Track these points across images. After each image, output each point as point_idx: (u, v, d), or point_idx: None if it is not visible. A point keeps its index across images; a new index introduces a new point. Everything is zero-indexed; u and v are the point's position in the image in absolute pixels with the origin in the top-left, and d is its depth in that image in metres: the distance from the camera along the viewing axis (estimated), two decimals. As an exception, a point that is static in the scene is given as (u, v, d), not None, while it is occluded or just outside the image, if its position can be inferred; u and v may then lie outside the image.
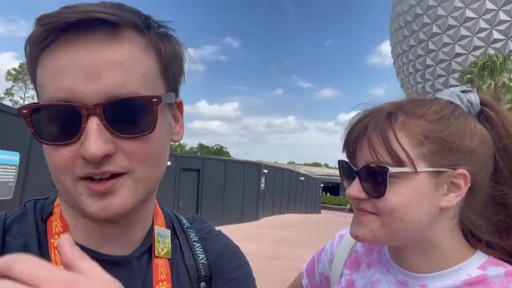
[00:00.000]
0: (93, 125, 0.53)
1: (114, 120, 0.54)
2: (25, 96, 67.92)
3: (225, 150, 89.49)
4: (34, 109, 0.55)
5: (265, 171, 19.84)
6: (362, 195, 0.76)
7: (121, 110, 0.55)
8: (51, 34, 0.54)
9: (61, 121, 0.55)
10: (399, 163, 0.72)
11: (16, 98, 67.23)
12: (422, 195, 0.73)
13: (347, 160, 0.83)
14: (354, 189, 0.77)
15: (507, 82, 24.74)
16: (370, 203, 0.76)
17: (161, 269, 0.69)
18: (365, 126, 0.77)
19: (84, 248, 0.61)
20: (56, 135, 0.55)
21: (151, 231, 0.71)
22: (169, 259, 0.71)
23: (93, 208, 0.56)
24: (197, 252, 0.77)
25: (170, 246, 0.73)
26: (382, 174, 0.73)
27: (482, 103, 0.80)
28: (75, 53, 0.54)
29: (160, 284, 0.68)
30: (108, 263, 0.62)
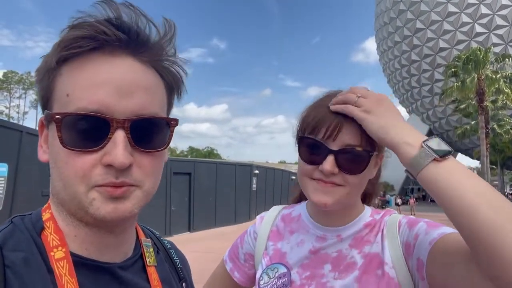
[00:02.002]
0: (121, 137, 0.60)
1: (136, 135, 0.62)
2: (10, 105, 66.89)
3: (215, 152, 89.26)
4: (66, 116, 0.60)
5: (257, 171, 19.88)
6: (336, 170, 0.92)
7: (144, 127, 0.63)
8: (86, 46, 0.60)
9: (89, 130, 0.60)
10: (373, 147, 0.94)
11: (1, 107, 66.19)
12: (369, 171, 0.98)
13: (313, 137, 0.95)
14: (330, 165, 0.92)
15: (490, 75, 25.14)
16: (339, 177, 0.94)
17: (154, 275, 0.76)
18: (335, 114, 0.92)
19: (82, 258, 0.65)
20: (81, 142, 0.60)
21: (136, 242, 0.78)
22: (155, 266, 0.78)
23: (105, 210, 0.61)
24: (174, 258, 0.89)
25: (153, 254, 0.80)
26: (366, 157, 0.93)
27: None
28: (110, 72, 0.61)
29: None
30: (109, 270, 0.67)
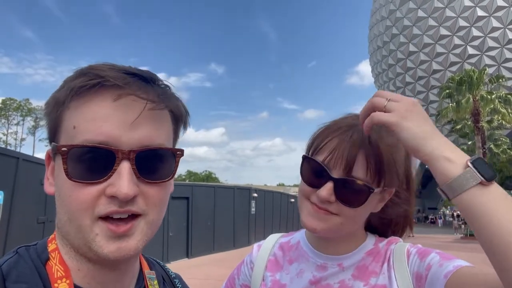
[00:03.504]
0: (126, 168, 0.60)
1: (142, 166, 0.62)
2: (8, 132, 66.94)
3: (214, 175, 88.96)
4: (72, 148, 0.60)
5: (255, 194, 19.76)
6: (332, 198, 0.89)
7: (150, 158, 0.63)
8: (95, 84, 0.61)
9: (95, 162, 0.60)
10: (378, 183, 0.90)
11: (-2, 134, 66.14)
12: (371, 206, 0.95)
13: (318, 161, 0.91)
14: (327, 192, 0.89)
15: (485, 95, 25.47)
16: (335, 206, 0.90)
17: None
18: (355, 142, 0.88)
19: None
20: (86, 174, 0.60)
21: (140, 274, 0.77)
22: None
23: (108, 249, 0.60)
24: (179, 287, 0.87)
25: (158, 286, 0.79)
26: (366, 193, 0.89)
27: None
28: (116, 104, 0.62)
29: None
30: None
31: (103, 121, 0.61)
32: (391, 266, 0.95)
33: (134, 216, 0.62)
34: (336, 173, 0.89)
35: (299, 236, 1.11)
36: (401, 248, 0.97)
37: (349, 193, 0.89)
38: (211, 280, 9.93)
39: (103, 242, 0.60)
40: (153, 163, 0.64)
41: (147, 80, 0.66)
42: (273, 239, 1.18)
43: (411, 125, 0.76)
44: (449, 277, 0.80)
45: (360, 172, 0.88)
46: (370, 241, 1.02)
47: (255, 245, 1.19)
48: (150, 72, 0.68)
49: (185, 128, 0.76)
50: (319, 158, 0.92)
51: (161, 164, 0.66)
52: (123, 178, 0.59)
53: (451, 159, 0.72)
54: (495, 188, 0.69)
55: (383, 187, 0.92)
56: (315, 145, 0.95)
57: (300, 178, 0.97)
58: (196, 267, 12.12)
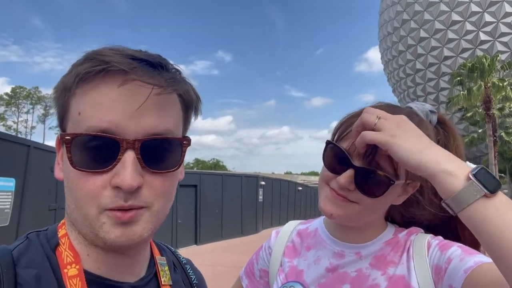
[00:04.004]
0: (130, 158, 0.59)
1: (147, 155, 0.61)
2: (18, 120, 67.70)
3: (221, 164, 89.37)
4: (76, 136, 0.60)
5: (263, 182, 19.82)
6: (352, 186, 0.88)
7: (155, 147, 0.62)
8: (101, 70, 0.60)
9: (99, 150, 0.59)
10: (397, 175, 0.88)
11: (9, 122, 67.00)
12: (392, 197, 0.93)
13: (342, 147, 0.90)
14: (347, 180, 0.87)
15: (497, 82, 25.03)
16: (354, 194, 0.89)
17: None
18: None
19: (95, 276, 0.65)
20: (90, 163, 0.60)
21: (150, 260, 0.77)
22: (170, 285, 0.77)
23: (114, 234, 0.60)
24: (190, 273, 0.87)
25: (169, 273, 0.79)
26: (386, 184, 0.87)
27: (439, 121, 1.06)
28: (121, 92, 0.60)
29: None
30: None
31: (107, 107, 0.60)
32: (410, 256, 0.94)
33: (137, 207, 0.62)
34: (357, 161, 0.88)
35: (318, 223, 1.12)
36: (421, 239, 0.96)
37: (368, 182, 0.87)
38: (220, 266, 10.04)
39: (110, 227, 0.60)
40: (159, 152, 0.63)
41: (154, 65, 0.63)
42: (291, 226, 1.19)
43: (402, 142, 0.74)
44: (469, 273, 0.79)
45: (381, 162, 0.86)
46: (390, 231, 1.01)
47: (274, 232, 1.20)
48: (160, 56, 0.66)
49: (196, 114, 0.73)
50: (343, 144, 0.91)
51: (167, 154, 0.64)
52: (127, 169, 0.58)
53: (452, 172, 0.69)
54: (500, 199, 0.67)
55: (406, 180, 0.90)
56: (340, 130, 0.94)
57: (322, 163, 0.96)
58: (205, 253, 12.26)
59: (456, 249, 0.87)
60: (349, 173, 0.87)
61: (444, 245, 0.91)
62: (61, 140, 0.64)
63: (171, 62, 0.67)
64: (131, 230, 0.61)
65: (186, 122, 0.72)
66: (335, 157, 0.92)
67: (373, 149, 0.85)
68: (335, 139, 0.95)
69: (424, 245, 0.93)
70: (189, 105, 0.71)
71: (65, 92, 0.63)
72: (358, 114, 0.92)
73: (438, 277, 0.87)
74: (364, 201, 0.89)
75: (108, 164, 0.59)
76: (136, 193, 0.60)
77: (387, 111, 0.84)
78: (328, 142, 0.95)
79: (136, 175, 0.59)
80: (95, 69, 0.60)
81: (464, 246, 0.89)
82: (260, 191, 19.36)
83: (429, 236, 0.96)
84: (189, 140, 0.67)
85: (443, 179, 0.69)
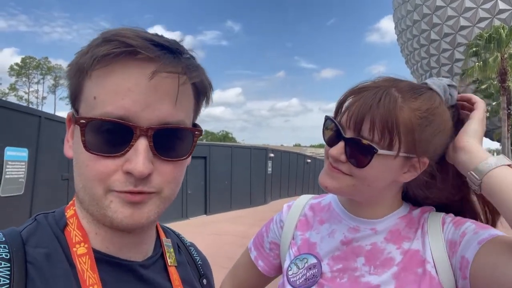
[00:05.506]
0: (143, 145, 0.60)
1: (159, 143, 0.62)
2: (29, 90, 68.15)
3: (230, 135, 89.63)
4: (91, 120, 0.60)
5: (272, 155, 19.89)
6: (343, 157, 0.90)
7: (168, 136, 0.63)
8: (120, 53, 0.59)
9: (112, 136, 0.60)
10: (389, 146, 0.86)
11: (20, 93, 67.54)
12: (390, 171, 0.91)
13: (335, 121, 0.93)
14: (338, 151, 0.90)
15: (514, 54, 24.24)
16: (347, 166, 0.91)
17: (175, 276, 0.77)
18: (367, 102, 0.87)
19: (104, 254, 0.67)
20: (103, 147, 0.60)
21: (157, 241, 0.79)
22: (176, 266, 0.79)
23: (122, 214, 0.61)
24: (194, 254, 0.90)
25: (174, 255, 0.81)
26: (370, 153, 0.87)
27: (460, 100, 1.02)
28: (139, 78, 0.60)
29: None
30: (130, 267, 0.69)
31: (124, 94, 0.59)
32: (425, 232, 0.95)
33: (147, 193, 0.63)
34: (348, 133, 0.90)
35: (331, 197, 1.12)
36: (435, 216, 0.98)
37: (356, 152, 0.89)
38: (228, 235, 10.28)
39: (118, 207, 0.61)
40: (171, 141, 0.64)
41: (173, 52, 0.62)
42: (304, 200, 1.19)
43: (477, 127, 0.93)
44: (483, 244, 0.81)
45: (365, 132, 0.87)
46: (405, 208, 1.02)
47: (285, 205, 1.20)
48: (177, 42, 0.65)
49: (207, 103, 0.74)
50: (336, 118, 0.94)
51: (179, 142, 0.65)
52: (140, 156, 0.59)
53: (482, 149, 0.88)
54: None
55: (398, 152, 0.87)
56: (337, 105, 0.96)
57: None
58: (214, 223, 12.53)
59: (470, 224, 0.90)
60: (340, 144, 0.90)
61: (458, 220, 0.93)
62: (74, 121, 0.64)
63: (185, 48, 0.67)
64: (139, 211, 0.62)
65: (197, 110, 0.72)
66: (331, 131, 0.95)
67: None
68: (334, 113, 0.97)
69: (439, 221, 0.95)
70: (202, 93, 0.71)
71: (80, 73, 0.63)
72: (353, 88, 0.95)
73: (452, 251, 0.89)
74: (355, 173, 0.90)
75: (120, 149, 0.60)
76: (146, 179, 0.61)
77: (408, 95, 0.89)
78: (326, 117, 0.98)
79: (148, 162, 0.60)
80: (114, 51, 0.58)
81: (477, 222, 0.92)
82: (269, 163, 19.47)
83: (443, 214, 0.98)
84: (200, 131, 0.69)
85: (474, 151, 0.87)
